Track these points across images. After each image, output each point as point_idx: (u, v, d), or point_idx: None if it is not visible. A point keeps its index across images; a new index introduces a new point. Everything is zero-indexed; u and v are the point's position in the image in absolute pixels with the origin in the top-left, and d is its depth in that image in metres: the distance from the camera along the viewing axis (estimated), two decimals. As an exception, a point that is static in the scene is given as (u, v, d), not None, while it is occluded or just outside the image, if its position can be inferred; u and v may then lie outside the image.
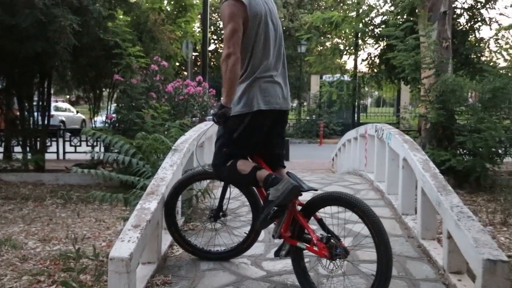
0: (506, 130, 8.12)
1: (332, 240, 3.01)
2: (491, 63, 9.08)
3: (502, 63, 10.67)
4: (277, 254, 3.32)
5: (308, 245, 3.12)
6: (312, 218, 3.19)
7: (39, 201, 7.54)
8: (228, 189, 3.68)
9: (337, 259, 3.00)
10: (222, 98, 3.16)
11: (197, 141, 4.97)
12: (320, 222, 3.13)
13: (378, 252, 2.86)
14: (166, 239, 3.96)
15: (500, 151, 8.41)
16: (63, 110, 23.49)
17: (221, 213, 3.72)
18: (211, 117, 3.41)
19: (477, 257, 2.79)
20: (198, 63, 23.91)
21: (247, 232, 3.82)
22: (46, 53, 8.14)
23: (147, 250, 3.39)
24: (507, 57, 10.31)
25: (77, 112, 25.04)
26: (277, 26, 3.35)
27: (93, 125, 10.89)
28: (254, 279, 3.51)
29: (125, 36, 8.78)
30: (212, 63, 29.87)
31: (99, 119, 11.49)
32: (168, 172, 3.91)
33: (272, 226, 3.35)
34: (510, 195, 7.28)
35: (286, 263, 3.63)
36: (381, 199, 5.84)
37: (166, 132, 7.76)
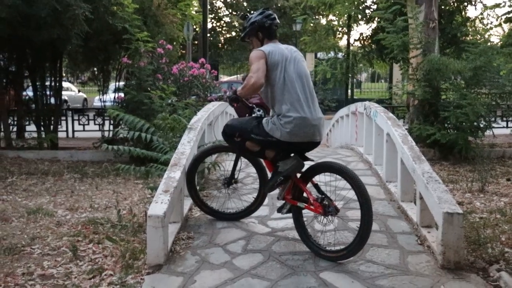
0: (486, 106, 8.80)
1: (325, 201, 3.77)
2: (475, 42, 9.62)
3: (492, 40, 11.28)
4: (279, 210, 4.10)
5: (306, 204, 3.89)
6: (310, 183, 3.95)
7: (58, 176, 8.09)
8: (239, 160, 4.44)
9: (329, 215, 3.77)
10: (239, 89, 3.88)
11: (208, 120, 5.71)
12: (316, 186, 3.90)
13: (362, 209, 3.61)
14: (186, 204, 4.71)
15: (481, 125, 9.11)
16: (65, 90, 23.82)
17: (233, 180, 4.49)
18: (225, 97, 4.17)
19: (439, 211, 3.54)
20: (195, 43, 24.36)
21: (254, 197, 4.59)
22: (60, 39, 8.64)
23: (173, 212, 4.13)
24: (487, 37, 10.95)
25: (79, 91, 25.39)
26: (303, 69, 3.96)
27: (103, 104, 11.40)
28: (261, 234, 4.33)
29: (133, 23, 9.30)
30: (210, 42, 30.25)
31: (107, 98, 12.03)
32: (187, 147, 4.65)
33: (275, 191, 4.12)
34: (488, 165, 8.03)
35: (287, 222, 4.41)
36: (369, 169, 6.61)
37: (174, 112, 8.41)
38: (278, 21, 4.13)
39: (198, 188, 4.85)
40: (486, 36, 11.02)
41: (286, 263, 3.74)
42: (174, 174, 4.12)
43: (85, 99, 25.10)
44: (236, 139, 4.13)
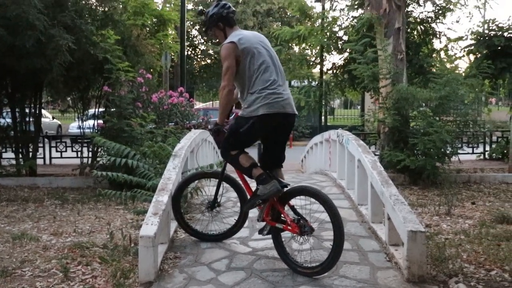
0: (451, 133, 9.30)
1: (301, 221, 4.13)
2: (440, 73, 10.17)
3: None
4: (260, 232, 4.43)
5: (284, 225, 4.24)
6: (287, 205, 4.30)
7: (39, 202, 8.18)
8: (221, 186, 4.78)
9: (305, 235, 4.13)
10: (218, 118, 4.27)
11: (190, 148, 6.04)
12: (293, 208, 4.26)
13: (334, 229, 3.97)
14: (172, 226, 5.00)
15: (447, 151, 9.60)
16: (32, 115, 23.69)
17: (216, 204, 4.83)
18: (209, 130, 4.56)
19: (404, 230, 3.92)
20: (171, 70, 24.73)
21: (236, 219, 4.93)
22: (43, 68, 8.84)
23: (161, 233, 4.42)
24: (454, 66, 11.58)
25: (53, 117, 25.31)
26: (273, 54, 4.41)
27: (82, 131, 11.57)
28: (243, 254, 4.67)
29: (114, 53, 9.62)
30: (186, 70, 30.70)
31: (75, 125, 12.08)
32: (172, 173, 4.97)
33: (253, 216, 4.47)
34: (454, 189, 8.48)
35: (267, 243, 4.73)
36: (342, 193, 6.99)
37: (154, 139, 8.69)
38: (233, 9, 4.56)
39: (182, 211, 5.15)
40: (453, 65, 11.67)
41: (267, 279, 4.08)
42: (162, 198, 4.44)
43: (60, 126, 25.03)
44: (232, 153, 4.43)
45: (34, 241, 5.66)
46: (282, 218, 4.29)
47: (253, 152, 4.62)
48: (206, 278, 4.10)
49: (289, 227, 4.20)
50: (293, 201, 4.32)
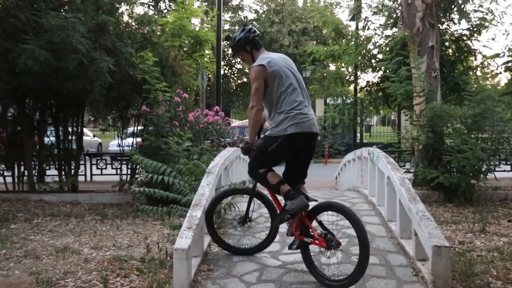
0: (485, 150, 9.25)
1: (328, 235, 4.30)
2: (474, 91, 10.15)
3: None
4: (290, 247, 4.62)
5: (312, 239, 4.40)
6: (315, 221, 4.46)
7: (80, 218, 8.49)
8: (252, 202, 4.97)
9: (332, 249, 4.28)
10: (248, 137, 4.48)
11: (224, 165, 6.27)
12: (320, 223, 4.43)
13: (359, 243, 4.12)
14: (205, 240, 5.22)
15: (483, 168, 9.54)
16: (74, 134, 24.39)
17: (247, 219, 5.03)
18: (240, 148, 4.78)
19: (429, 245, 4.03)
20: (208, 89, 25.19)
21: (266, 234, 5.11)
22: (85, 89, 9.25)
23: (195, 247, 4.62)
24: (492, 84, 11.50)
25: (94, 136, 26.05)
26: (298, 77, 4.67)
27: (121, 149, 11.94)
28: (273, 267, 4.85)
29: (153, 74, 9.98)
30: (222, 88, 31.20)
31: (115, 143, 12.35)
32: (206, 190, 5.19)
33: (283, 231, 4.67)
34: (490, 207, 8.43)
35: (297, 257, 4.88)
36: (373, 209, 7.09)
37: (190, 157, 8.95)
38: (258, 32, 4.87)
39: (215, 226, 5.37)
40: (494, 82, 11.58)
41: (296, 291, 4.22)
42: (196, 213, 4.66)
43: (100, 144, 25.74)
44: (260, 171, 4.67)
45: (76, 254, 5.93)
46: (310, 232, 4.47)
47: (280, 170, 4.81)
48: (237, 290, 4.29)
49: (316, 241, 4.37)
50: (322, 217, 4.48)
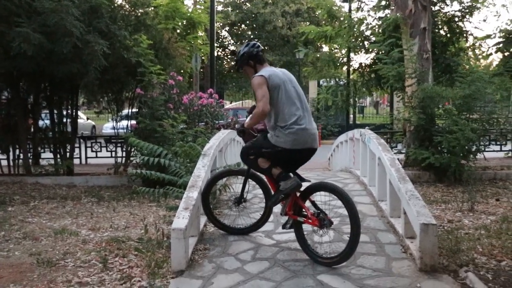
0: (475, 131, 9.40)
1: (321, 215, 4.46)
2: (465, 72, 10.26)
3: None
4: (284, 227, 4.78)
5: (305, 219, 4.56)
6: (308, 200, 4.61)
7: (76, 200, 8.59)
8: (247, 183, 5.12)
9: (325, 228, 4.44)
10: (247, 121, 4.63)
11: (219, 147, 6.40)
12: (313, 203, 4.58)
13: (351, 222, 4.29)
14: (201, 221, 5.37)
15: (472, 149, 9.70)
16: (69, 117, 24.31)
17: (242, 200, 5.20)
18: (235, 126, 4.97)
19: (417, 223, 4.19)
20: (201, 71, 25.15)
21: (261, 214, 5.27)
22: (80, 72, 9.29)
23: (192, 227, 4.77)
24: (485, 64, 11.62)
25: (87, 118, 25.97)
26: (298, 90, 4.75)
27: (116, 132, 11.99)
28: (268, 246, 5.03)
29: (147, 57, 10.03)
30: (216, 70, 31.18)
31: (109, 126, 12.23)
32: (202, 171, 5.33)
33: (277, 211, 4.86)
34: (479, 186, 8.61)
35: (290, 236, 5.05)
36: (364, 190, 7.27)
37: (185, 139, 9.04)
38: (262, 47, 4.98)
39: (211, 207, 5.51)
40: (486, 62, 11.72)
41: (289, 268, 4.41)
42: (192, 194, 4.81)
43: (94, 126, 25.72)
44: (250, 157, 4.84)
45: (74, 236, 6.05)
46: (303, 212, 4.62)
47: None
48: (233, 267, 4.46)
49: (309, 221, 4.53)
50: (315, 197, 4.63)
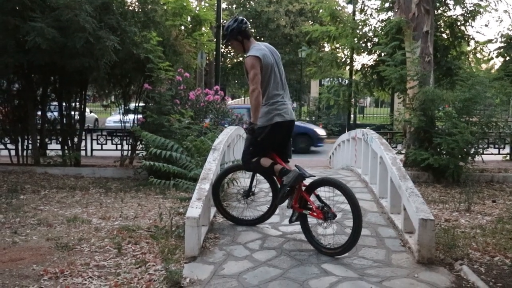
0: (474, 134, 9.65)
1: (325, 208, 4.76)
2: (466, 76, 10.48)
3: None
4: (290, 220, 5.07)
5: (310, 212, 4.85)
6: (313, 194, 4.91)
7: (85, 190, 8.85)
8: (255, 178, 5.43)
9: (329, 220, 4.73)
10: (252, 118, 4.97)
11: (227, 142, 6.69)
12: (318, 197, 4.87)
13: (353, 215, 4.57)
14: (211, 211, 5.66)
15: (471, 151, 9.95)
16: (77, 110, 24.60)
17: (250, 193, 5.49)
18: (245, 128, 5.25)
19: (416, 218, 4.47)
20: (205, 68, 25.36)
21: (268, 206, 5.56)
22: (90, 67, 9.54)
23: (203, 216, 5.05)
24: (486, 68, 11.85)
25: (91, 111, 26.17)
26: (281, 69, 5.17)
27: (122, 125, 12.13)
28: (274, 236, 5.33)
29: (156, 53, 10.28)
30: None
31: (111, 119, 12.33)
32: (213, 165, 5.63)
33: (283, 205, 5.20)
34: (476, 188, 8.86)
35: (295, 228, 5.33)
36: (365, 187, 7.55)
37: (190, 134, 9.27)
38: (248, 24, 5.32)
39: (221, 199, 5.80)
40: (488, 65, 11.92)
41: (295, 257, 4.71)
42: (204, 186, 5.11)
43: (96, 119, 25.98)
44: (252, 160, 5.13)
45: (86, 223, 6.34)
46: (308, 205, 4.90)
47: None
48: (242, 255, 4.76)
49: (314, 213, 4.82)
50: (319, 192, 4.90)
